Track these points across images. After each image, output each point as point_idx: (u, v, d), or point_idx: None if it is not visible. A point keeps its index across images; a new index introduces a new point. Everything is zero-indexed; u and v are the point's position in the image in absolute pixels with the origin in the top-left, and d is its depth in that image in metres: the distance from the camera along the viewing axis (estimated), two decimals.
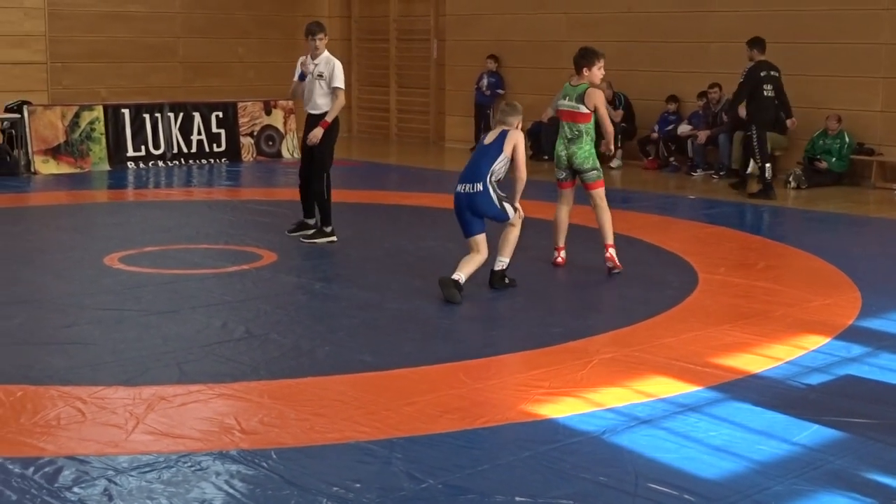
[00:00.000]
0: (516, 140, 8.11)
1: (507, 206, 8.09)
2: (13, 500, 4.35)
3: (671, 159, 15.66)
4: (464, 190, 8.05)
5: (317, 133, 9.68)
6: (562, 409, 5.52)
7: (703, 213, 12.07)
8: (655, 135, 15.88)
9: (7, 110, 15.05)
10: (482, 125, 18.21)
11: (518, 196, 8.21)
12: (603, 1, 16.73)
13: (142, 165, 15.62)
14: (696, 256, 9.35)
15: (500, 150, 8.05)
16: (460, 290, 7.74)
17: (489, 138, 8.21)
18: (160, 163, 15.81)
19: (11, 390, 5.64)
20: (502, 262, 8.18)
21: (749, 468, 4.79)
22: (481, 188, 7.99)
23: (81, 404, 5.46)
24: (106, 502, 4.34)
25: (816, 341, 6.80)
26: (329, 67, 9.76)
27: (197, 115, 16.21)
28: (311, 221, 10.07)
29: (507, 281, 8.18)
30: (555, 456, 4.87)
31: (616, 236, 8.88)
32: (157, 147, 15.85)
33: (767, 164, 13.10)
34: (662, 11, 16.03)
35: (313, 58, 9.83)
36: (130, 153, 15.61)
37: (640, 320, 7.25)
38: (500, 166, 8.06)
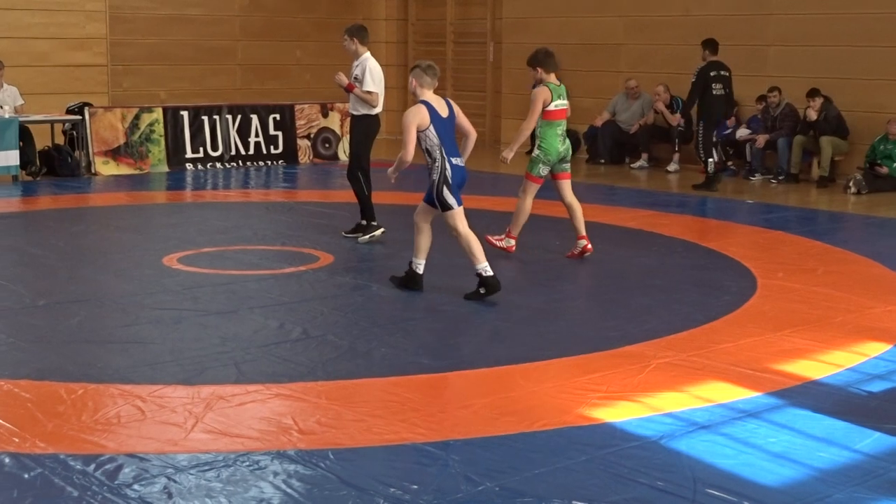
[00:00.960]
0: (457, 106, 8.15)
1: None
2: (74, 497, 4.40)
3: (729, 163, 15.53)
4: (460, 163, 8.01)
5: (341, 78, 9.97)
6: (619, 413, 5.49)
7: (762, 217, 11.96)
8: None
9: (69, 112, 15.24)
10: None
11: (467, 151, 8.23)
12: (660, 4, 16.63)
13: (200, 167, 15.76)
14: (755, 261, 9.27)
15: (451, 127, 8.03)
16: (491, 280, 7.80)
17: (444, 110, 8.01)
18: (218, 164, 15.94)
19: (73, 388, 5.71)
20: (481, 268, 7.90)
21: (809, 475, 4.73)
22: (460, 165, 8.00)
23: (141, 403, 5.51)
24: (165, 500, 4.38)
25: (878, 348, 6.71)
26: (362, 69, 9.94)
27: (255, 118, 16.33)
28: (373, 223, 10.14)
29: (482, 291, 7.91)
30: (612, 460, 4.85)
31: (674, 241, 8.83)
32: (215, 149, 15.99)
33: (710, 159, 13.96)
34: (721, 14, 15.90)
35: (354, 59, 10.05)
36: (189, 155, 15.76)
37: (697, 325, 7.20)
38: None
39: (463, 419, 5.35)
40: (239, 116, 16.23)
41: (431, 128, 7.89)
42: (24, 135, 14.18)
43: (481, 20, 19.74)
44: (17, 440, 4.99)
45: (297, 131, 16.74)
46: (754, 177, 14.99)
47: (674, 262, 9.35)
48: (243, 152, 16.20)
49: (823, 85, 14.38)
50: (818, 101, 14.31)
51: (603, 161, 16.65)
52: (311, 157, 16.80)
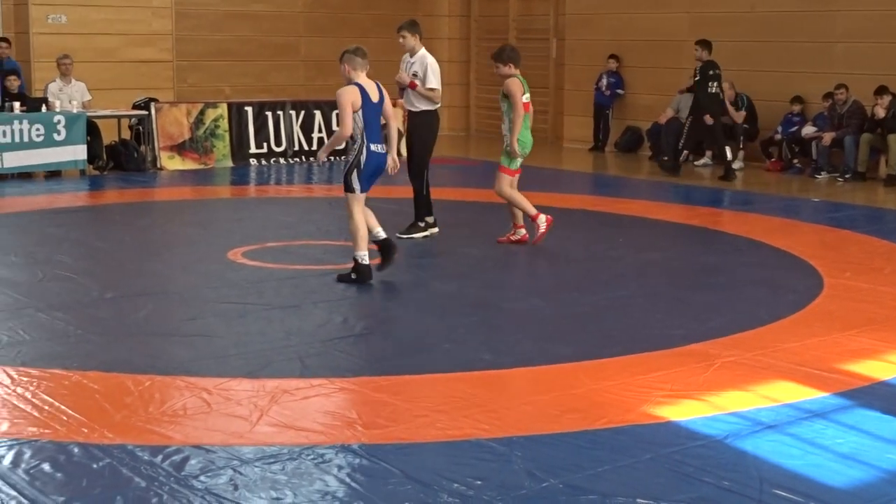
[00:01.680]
0: (386, 93, 8.24)
1: None
2: (142, 487, 4.45)
3: (795, 161, 15.36)
4: (379, 149, 8.14)
5: (403, 78, 9.83)
6: (683, 411, 5.45)
7: (828, 216, 11.81)
8: (779, 136, 15.59)
9: (135, 107, 15.43)
10: (601, 125, 18.11)
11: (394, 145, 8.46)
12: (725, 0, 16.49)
13: (263, 162, 15.88)
14: (821, 260, 9.16)
15: (380, 109, 8.15)
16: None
17: (375, 95, 8.11)
18: (281, 160, 16.04)
19: (140, 380, 5.78)
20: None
21: (878, 477, 4.67)
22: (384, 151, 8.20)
23: (207, 395, 5.57)
24: (231, 492, 4.42)
25: None
26: (423, 66, 9.79)
27: (318, 113, 16.41)
28: (429, 219, 10.13)
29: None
30: (677, 459, 4.82)
31: (738, 239, 8.76)
32: (278, 144, 16.10)
33: (685, 151, 15.26)
34: (787, 11, 15.73)
35: (411, 56, 9.89)
36: (253, 150, 15.88)
37: (763, 324, 7.13)
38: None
39: (526, 415, 5.35)
40: (302, 112, 16.32)
41: (360, 111, 7.99)
42: (92, 130, 14.37)
43: (544, 16, 19.69)
44: (85, 430, 5.07)
45: None
46: (820, 175, 14.81)
47: (738, 261, 9.27)
48: (307, 148, 16.29)
49: (892, 82, 14.18)
50: (886, 99, 14.11)
51: (666, 158, 16.51)
52: None
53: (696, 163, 16.15)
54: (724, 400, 5.62)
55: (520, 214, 9.65)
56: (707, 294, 8.03)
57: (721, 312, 7.46)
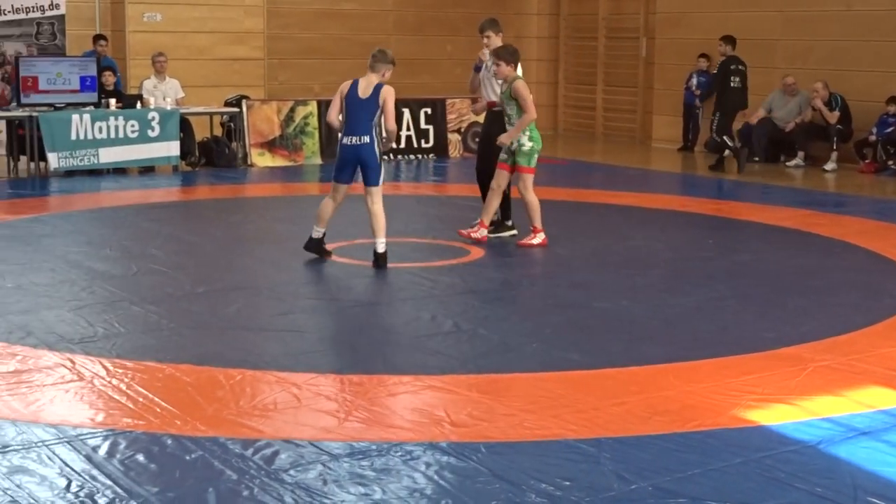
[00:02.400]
0: (387, 95, 8.44)
1: (382, 167, 8.62)
2: (233, 480, 4.51)
3: (889, 163, 15.06)
4: (350, 142, 8.46)
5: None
6: (775, 416, 5.37)
7: None
8: (873, 137, 15.29)
9: (227, 104, 15.63)
10: (690, 125, 17.93)
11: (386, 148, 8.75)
12: None
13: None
14: None
15: (378, 105, 8.44)
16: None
17: (364, 92, 8.47)
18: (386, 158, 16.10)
19: (231, 374, 5.86)
20: (384, 244, 8.54)
21: None
22: (368, 140, 8.43)
23: (297, 390, 5.62)
24: (320, 487, 4.45)
25: None
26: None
27: (406, 112, 16.47)
28: (507, 222, 9.97)
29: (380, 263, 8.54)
30: (768, 464, 4.75)
31: (832, 241, 8.62)
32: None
33: (729, 143, 15.30)
34: (884, 10, 15.42)
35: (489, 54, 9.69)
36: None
37: (857, 328, 7.00)
38: (377, 118, 8.48)
39: (615, 417, 5.31)
40: None
41: (344, 102, 8.50)
42: (185, 126, 14.61)
43: (634, 15, 19.53)
44: (178, 423, 5.15)
45: (448, 125, 16.84)
46: None
47: (832, 264, 9.12)
48: (395, 146, 16.37)
49: None
50: None
51: (757, 159, 16.30)
52: (461, 152, 16.87)
53: (787, 163, 15.91)
54: (817, 405, 5.53)
55: (489, 214, 9.54)
56: (800, 297, 7.91)
57: (814, 316, 7.35)
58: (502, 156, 9.43)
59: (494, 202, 9.46)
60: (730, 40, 15.44)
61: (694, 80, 17.70)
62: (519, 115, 9.30)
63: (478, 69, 9.76)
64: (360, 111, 8.44)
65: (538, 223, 9.41)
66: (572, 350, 6.45)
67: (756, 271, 8.81)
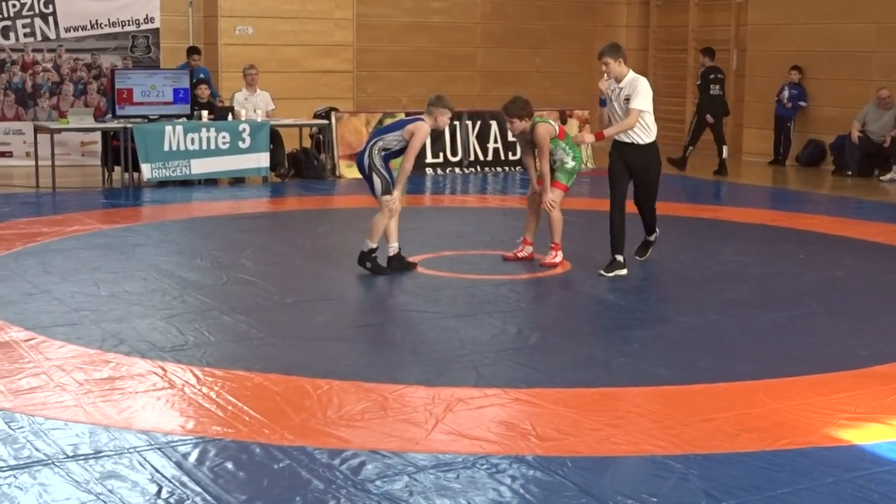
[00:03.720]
0: (416, 129, 8.67)
1: (378, 179, 8.70)
2: (320, 490, 4.54)
3: None
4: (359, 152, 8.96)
5: (587, 137, 9.43)
6: (868, 435, 5.27)
7: None
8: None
9: (316, 116, 15.79)
10: (782, 138, 17.69)
11: (399, 185, 8.83)
12: None
13: (439, 172, 16.05)
14: None
15: (397, 128, 8.79)
16: (369, 259, 8.70)
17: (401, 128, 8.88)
18: (457, 170, 16.18)
19: (319, 384, 5.90)
20: (368, 245, 8.73)
21: None
22: (363, 149, 8.81)
23: (383, 401, 5.64)
24: (406, 498, 4.47)
25: None
26: (633, 88, 8.78)
27: (494, 124, 16.49)
28: (650, 237, 9.54)
29: (368, 265, 8.72)
30: (860, 484, 4.66)
31: None
32: (454, 154, 16.24)
33: (691, 147, 16.66)
34: None
35: (617, 81, 8.85)
36: (429, 160, 16.05)
37: None
38: (391, 138, 8.72)
39: (703, 433, 5.25)
40: (478, 122, 16.43)
41: None
42: (275, 138, 14.78)
43: (725, 27, 19.35)
44: (266, 431, 5.20)
45: None
46: None
47: None
48: (482, 158, 16.40)
49: None
50: None
51: (850, 173, 16.04)
52: None
53: (881, 178, 15.62)
54: None
55: (532, 231, 9.42)
56: (893, 314, 7.75)
57: None
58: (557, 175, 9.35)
59: (557, 223, 9.28)
60: (709, 52, 16.71)
61: (786, 93, 17.48)
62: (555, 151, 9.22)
63: (603, 103, 9.00)
64: (381, 128, 9.05)
65: (558, 239, 9.26)
66: (660, 365, 6.39)
67: (848, 287, 8.66)
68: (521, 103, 9.16)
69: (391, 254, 8.93)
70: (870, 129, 16.00)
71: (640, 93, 8.74)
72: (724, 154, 16.32)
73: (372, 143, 8.79)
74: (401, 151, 8.79)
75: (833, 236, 10.99)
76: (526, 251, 9.46)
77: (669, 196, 14.05)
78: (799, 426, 5.37)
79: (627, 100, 8.79)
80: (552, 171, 9.26)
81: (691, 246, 10.38)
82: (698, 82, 16.63)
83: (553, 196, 9.22)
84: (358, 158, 8.95)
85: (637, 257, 9.47)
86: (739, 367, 6.40)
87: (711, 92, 16.29)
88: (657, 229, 9.51)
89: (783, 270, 9.25)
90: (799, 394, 5.88)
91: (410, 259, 9.05)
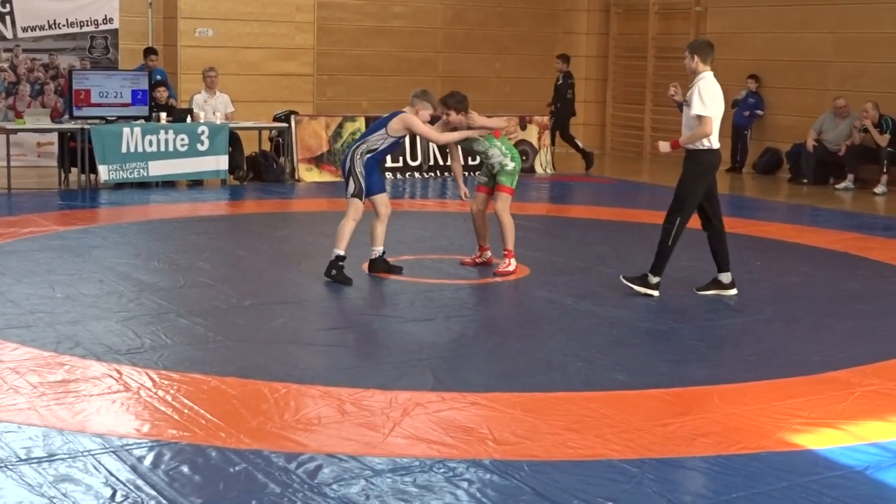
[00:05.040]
0: (403, 121, 8.74)
1: (353, 182, 8.73)
2: (276, 493, 4.53)
3: None
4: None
5: (662, 145, 8.57)
6: (821, 440, 5.32)
7: None
8: None
9: (276, 120, 15.74)
10: (739, 146, 17.82)
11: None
12: (872, 20, 16.07)
13: (399, 176, 16.04)
14: None
15: (382, 126, 8.76)
16: (335, 267, 8.60)
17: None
18: (416, 174, 16.18)
19: (276, 387, 5.88)
20: (335, 252, 8.66)
21: None
22: (346, 153, 8.85)
23: (341, 405, 5.63)
24: (363, 501, 4.46)
25: None
26: (692, 93, 8.25)
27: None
28: (724, 279, 8.64)
29: (333, 273, 8.63)
30: (814, 489, 4.71)
31: (882, 265, 8.53)
32: (413, 159, 16.24)
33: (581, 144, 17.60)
34: None
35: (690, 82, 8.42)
36: (389, 164, 16.02)
37: None
38: (375, 138, 8.74)
39: (659, 438, 5.28)
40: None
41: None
42: (234, 141, 14.71)
43: (684, 35, 19.43)
44: (223, 435, 5.17)
45: None
46: None
47: (882, 288, 9.02)
48: (441, 162, 16.40)
49: None
50: None
51: (806, 181, 16.19)
52: None
53: (836, 186, 15.77)
54: (865, 430, 5.47)
55: (484, 236, 9.37)
56: (848, 321, 7.83)
57: (863, 340, 7.27)
58: (481, 178, 9.32)
59: (509, 229, 9.12)
60: (565, 58, 17.79)
61: (743, 92, 17.60)
62: (492, 143, 9.09)
63: (681, 106, 8.49)
64: (366, 132, 9.12)
65: (511, 245, 9.13)
66: (617, 370, 6.43)
67: (804, 294, 8.74)
68: (459, 97, 9.14)
69: (373, 256, 8.95)
70: (826, 139, 16.16)
71: (700, 96, 8.15)
72: (581, 144, 17.65)
73: (355, 146, 8.78)
74: (388, 150, 8.83)
75: (789, 243, 11.09)
76: (484, 256, 9.45)
77: (627, 202, 14.15)
78: (753, 431, 5.42)
79: (686, 103, 8.33)
80: (493, 176, 9.17)
81: (649, 252, 10.40)
82: (558, 83, 17.59)
83: (501, 201, 9.13)
84: (342, 161, 8.98)
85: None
86: (695, 372, 6.44)
87: (568, 96, 17.45)
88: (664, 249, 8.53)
89: (739, 277, 9.29)
90: (754, 399, 5.93)
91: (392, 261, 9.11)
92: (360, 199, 8.73)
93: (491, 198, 9.24)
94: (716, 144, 8.35)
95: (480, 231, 9.40)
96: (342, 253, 8.66)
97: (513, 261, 9.16)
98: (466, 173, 16.04)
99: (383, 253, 8.98)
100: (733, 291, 8.55)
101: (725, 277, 8.58)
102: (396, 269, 9.00)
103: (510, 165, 9.15)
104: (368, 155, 8.71)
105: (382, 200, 8.91)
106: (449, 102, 9.11)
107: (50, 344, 6.63)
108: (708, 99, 8.15)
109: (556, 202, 14.40)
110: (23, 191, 13.52)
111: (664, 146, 8.58)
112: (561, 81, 17.66)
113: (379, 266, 8.95)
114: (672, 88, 8.67)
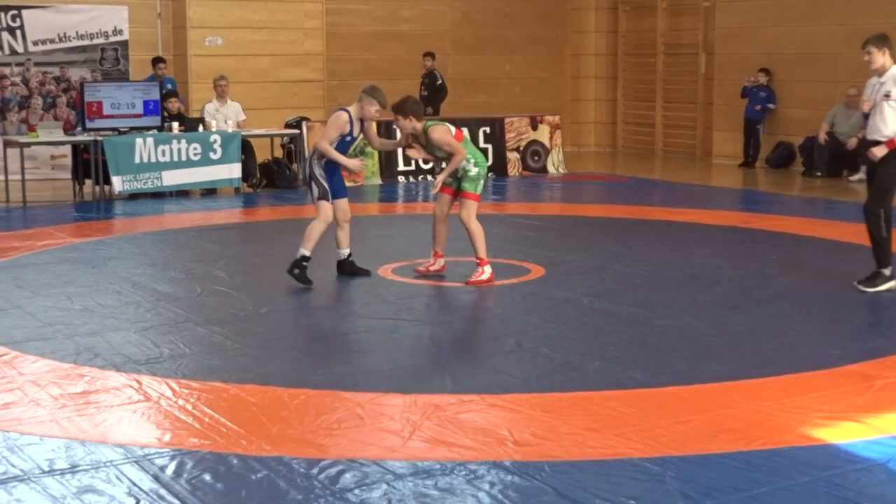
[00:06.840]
0: (332, 117, 8.84)
1: (315, 187, 8.77)
2: (299, 500, 4.54)
3: None
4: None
5: (876, 151, 8.31)
6: (842, 433, 5.31)
7: None
8: None
9: (287, 126, 15.77)
10: (751, 140, 17.80)
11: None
12: (883, 11, 16.00)
13: (411, 179, 16.06)
14: None
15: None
16: (298, 266, 8.62)
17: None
18: (429, 177, 16.18)
19: (295, 393, 5.90)
20: (301, 252, 8.68)
21: None
22: (307, 159, 8.94)
23: (361, 410, 5.64)
24: None
25: None
26: (894, 83, 8.21)
27: (465, 131, 16.46)
28: (887, 272, 8.51)
29: (296, 272, 8.65)
30: (836, 482, 4.70)
31: None
32: (426, 161, 16.22)
33: None
34: None
35: (879, 75, 8.32)
36: (401, 167, 16.07)
37: None
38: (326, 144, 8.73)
39: (679, 435, 5.28)
40: None
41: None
42: (246, 148, 14.75)
43: (693, 31, 19.46)
44: (244, 442, 5.19)
45: (507, 144, 16.85)
46: None
47: None
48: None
49: None
50: None
51: (819, 174, 16.16)
52: (519, 170, 16.88)
53: (850, 178, 15.73)
54: (886, 423, 5.46)
55: (441, 242, 9.08)
56: (866, 314, 7.82)
57: (881, 333, 7.26)
58: (447, 180, 8.94)
59: (478, 237, 8.84)
60: (431, 55, 17.93)
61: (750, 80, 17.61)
62: (448, 157, 8.83)
63: (867, 118, 8.42)
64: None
65: (483, 253, 8.83)
66: (635, 368, 6.42)
67: (821, 288, 8.72)
68: (411, 102, 9.02)
69: (340, 258, 9.07)
70: (838, 131, 16.12)
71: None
72: None
73: (312, 152, 8.90)
74: (344, 149, 8.87)
75: (804, 237, 11.07)
76: (438, 264, 9.14)
77: (640, 200, 14.14)
78: (774, 426, 5.41)
79: (887, 96, 8.19)
80: (457, 180, 8.89)
81: (664, 249, 10.42)
82: (425, 81, 17.84)
83: (466, 209, 8.81)
84: (302, 169, 8.99)
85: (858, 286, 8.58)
86: (714, 368, 6.44)
87: (437, 86, 17.74)
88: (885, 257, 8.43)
89: (755, 272, 9.30)
90: (773, 394, 5.92)
91: (361, 267, 9.12)
92: (328, 201, 8.79)
93: (455, 200, 8.97)
94: None
95: (438, 236, 9.07)
96: (308, 253, 8.70)
97: (486, 268, 8.84)
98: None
99: (349, 255, 9.04)
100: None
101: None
102: (363, 272, 9.04)
103: (473, 171, 8.85)
104: (324, 159, 8.78)
105: (341, 206, 8.95)
106: (403, 108, 8.86)
107: (69, 356, 6.66)
108: None
109: (568, 201, 14.39)
110: (38, 204, 13.58)
111: (881, 151, 8.34)
112: (427, 80, 17.86)
113: (345, 268, 9.05)
114: (866, 105, 8.45)
